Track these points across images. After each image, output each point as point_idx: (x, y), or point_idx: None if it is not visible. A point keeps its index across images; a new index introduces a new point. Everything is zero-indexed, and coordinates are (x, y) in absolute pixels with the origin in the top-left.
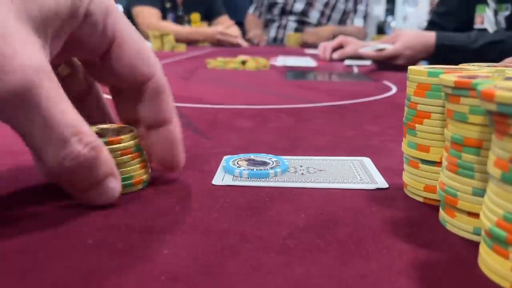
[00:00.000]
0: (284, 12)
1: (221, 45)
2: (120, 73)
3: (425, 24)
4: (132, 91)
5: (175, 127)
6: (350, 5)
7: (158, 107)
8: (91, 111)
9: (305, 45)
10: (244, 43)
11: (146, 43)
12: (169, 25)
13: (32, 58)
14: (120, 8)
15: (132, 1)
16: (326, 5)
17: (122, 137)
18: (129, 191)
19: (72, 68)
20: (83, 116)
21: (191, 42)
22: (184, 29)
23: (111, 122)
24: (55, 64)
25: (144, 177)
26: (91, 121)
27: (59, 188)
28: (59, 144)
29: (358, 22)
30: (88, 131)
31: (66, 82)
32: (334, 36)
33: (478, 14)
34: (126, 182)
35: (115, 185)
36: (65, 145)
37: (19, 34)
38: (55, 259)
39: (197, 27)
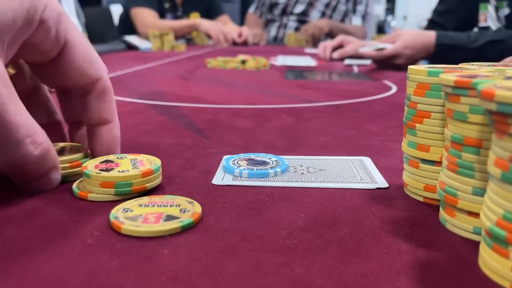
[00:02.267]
0: (285, 12)
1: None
2: (70, 75)
3: (425, 23)
4: (79, 92)
5: (115, 127)
6: (351, 6)
7: (102, 107)
8: (38, 110)
9: (307, 42)
10: (237, 38)
11: (93, 48)
12: (167, 22)
13: None
14: (119, 8)
15: (130, 2)
16: (327, 6)
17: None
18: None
19: (18, 68)
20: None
21: (191, 38)
22: (182, 22)
23: (57, 121)
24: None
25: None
26: (38, 120)
27: (59, 188)
28: (14, 145)
29: (356, 21)
30: (40, 132)
31: (12, 82)
32: (330, 29)
33: (482, 12)
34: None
35: (57, 176)
36: (19, 146)
37: None
38: (55, 259)
39: None
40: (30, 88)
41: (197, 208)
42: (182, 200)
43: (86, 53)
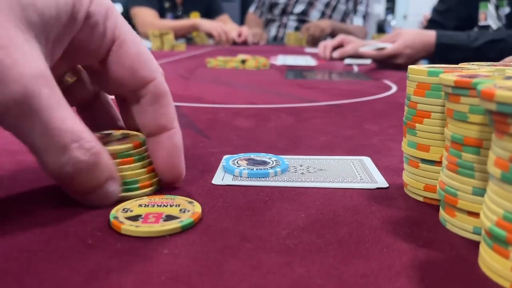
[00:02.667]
0: (285, 12)
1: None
2: (120, 76)
3: (422, 19)
4: (132, 96)
5: (175, 134)
6: (351, 5)
7: (158, 113)
8: (99, 117)
9: (310, 41)
10: (237, 38)
11: (146, 47)
12: (168, 22)
13: (32, 66)
14: (119, 7)
15: (130, 1)
16: (327, 5)
17: (123, 146)
18: (134, 196)
19: (77, 75)
20: (92, 123)
21: (191, 38)
22: (182, 22)
23: (121, 128)
24: (60, 72)
25: (150, 181)
26: (101, 127)
27: (59, 188)
28: (59, 150)
29: (357, 21)
30: (89, 137)
31: (72, 90)
32: (333, 30)
33: (482, 11)
34: (131, 186)
35: (114, 188)
36: (65, 152)
37: (19, 43)
38: (55, 259)
39: None
40: (91, 95)
41: (197, 208)
42: (182, 200)
43: (137, 51)
